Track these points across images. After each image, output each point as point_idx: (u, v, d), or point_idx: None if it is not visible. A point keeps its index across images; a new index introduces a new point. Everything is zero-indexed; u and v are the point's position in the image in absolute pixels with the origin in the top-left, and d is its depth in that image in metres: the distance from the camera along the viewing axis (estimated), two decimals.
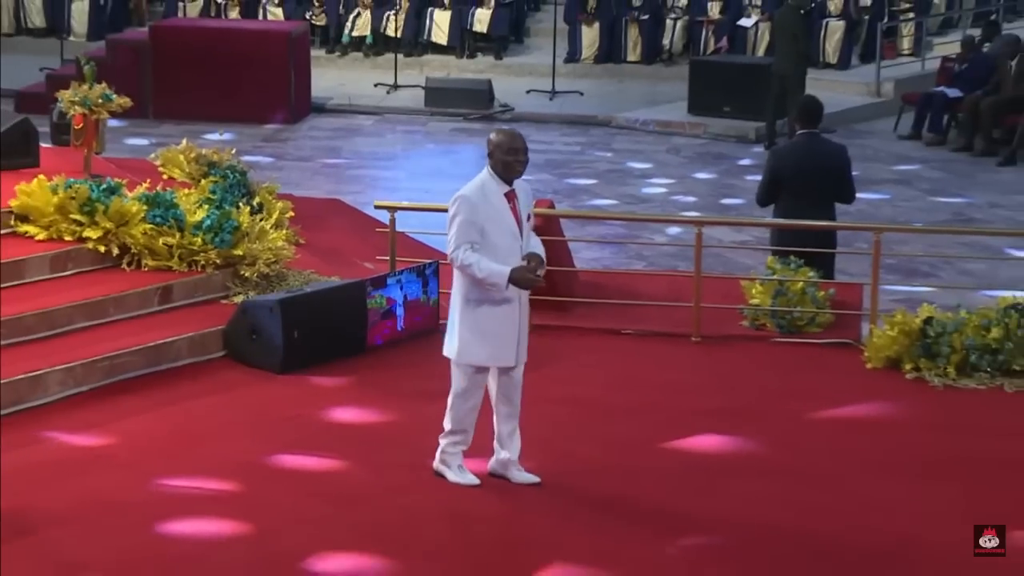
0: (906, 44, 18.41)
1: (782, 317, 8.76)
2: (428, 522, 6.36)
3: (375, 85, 17.75)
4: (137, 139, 14.40)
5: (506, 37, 19.21)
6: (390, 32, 18.84)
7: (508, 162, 6.41)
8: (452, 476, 6.66)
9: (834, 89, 16.73)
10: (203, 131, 11.22)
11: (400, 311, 8.52)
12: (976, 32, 17.26)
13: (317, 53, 18.51)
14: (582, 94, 17.29)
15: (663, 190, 13.64)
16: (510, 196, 6.45)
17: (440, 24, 19.00)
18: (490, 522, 6.40)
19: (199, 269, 8.67)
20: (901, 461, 7.10)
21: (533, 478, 6.70)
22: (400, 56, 18.17)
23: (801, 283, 8.75)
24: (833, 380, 8.17)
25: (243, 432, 7.32)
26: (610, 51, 18.75)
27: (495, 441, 6.73)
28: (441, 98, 16.74)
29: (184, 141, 10.57)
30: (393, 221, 9.01)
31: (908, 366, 8.16)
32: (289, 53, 16.33)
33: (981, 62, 15.81)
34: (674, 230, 11.73)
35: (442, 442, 6.71)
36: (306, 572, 5.93)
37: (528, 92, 17.34)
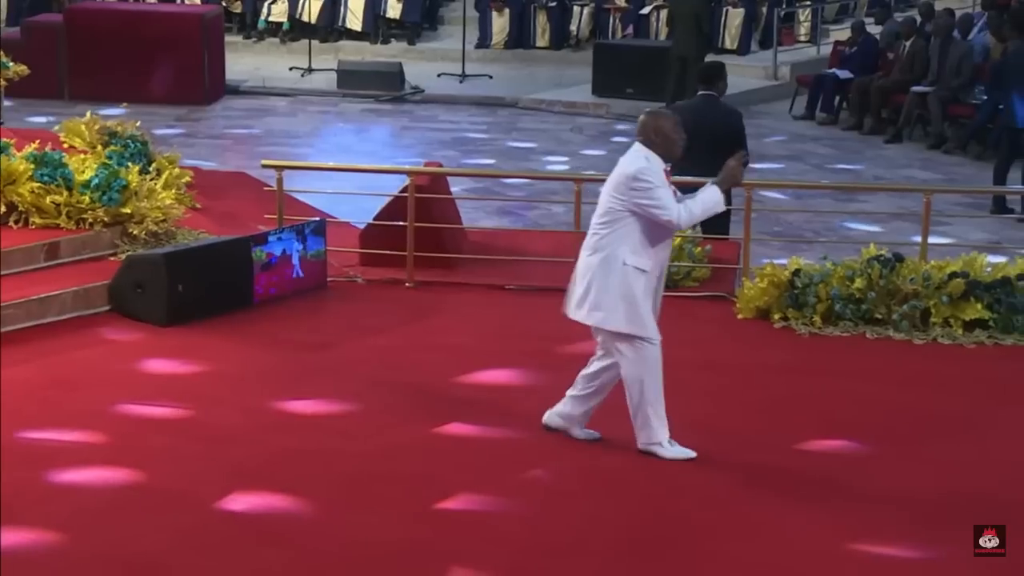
0: (803, 31, 18.89)
1: None
2: (296, 461, 6.47)
3: (290, 69, 17.87)
4: (51, 118, 14.41)
5: (419, 24, 19.41)
6: (306, 18, 19.00)
7: (676, 140, 6.55)
8: (667, 454, 6.57)
9: (734, 72, 16.69)
10: (118, 111, 11.27)
11: (296, 261, 8.61)
12: (869, 20, 17.69)
13: (234, 39, 18.62)
14: (491, 77, 17.47)
15: (564, 164, 13.85)
16: (667, 173, 6.57)
17: (354, 11, 19.18)
18: (353, 458, 6.49)
19: (87, 227, 8.71)
20: (762, 399, 7.31)
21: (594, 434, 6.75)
22: (315, 42, 18.30)
23: (679, 239, 8.97)
24: (705, 330, 8.34)
25: (120, 381, 7.39)
26: (519, 37, 19.01)
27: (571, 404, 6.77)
28: (353, 80, 16.85)
29: (88, 113, 10.64)
30: (280, 180, 9.12)
31: (776, 316, 8.39)
32: (203, 35, 16.35)
33: (869, 45, 16.19)
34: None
35: (652, 425, 6.56)
36: (188, 504, 6.07)
37: (439, 75, 17.52)
